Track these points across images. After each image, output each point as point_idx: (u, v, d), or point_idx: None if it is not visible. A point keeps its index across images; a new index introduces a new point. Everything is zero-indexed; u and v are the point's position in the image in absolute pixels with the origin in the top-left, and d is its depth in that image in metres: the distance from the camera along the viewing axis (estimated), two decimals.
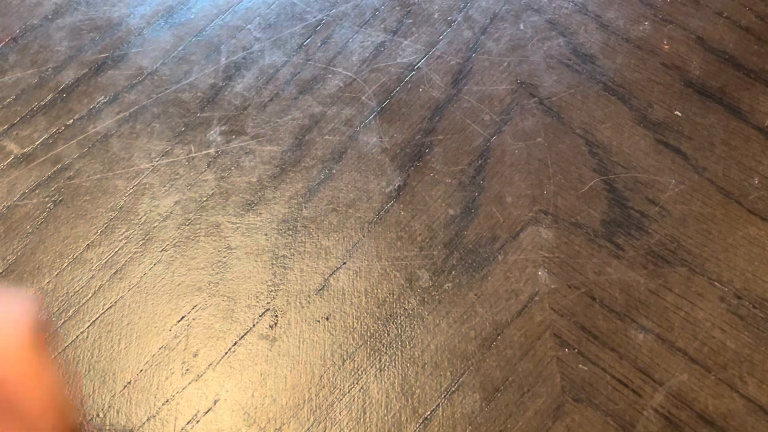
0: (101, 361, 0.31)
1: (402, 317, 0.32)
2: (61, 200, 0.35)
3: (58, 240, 0.34)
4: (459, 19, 0.40)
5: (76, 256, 0.33)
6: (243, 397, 0.30)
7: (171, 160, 0.35)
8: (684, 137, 0.36)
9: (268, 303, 0.32)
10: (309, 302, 0.32)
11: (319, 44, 0.39)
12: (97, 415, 0.30)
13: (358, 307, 0.32)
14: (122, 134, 0.36)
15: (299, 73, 0.38)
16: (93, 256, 0.33)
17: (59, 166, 0.36)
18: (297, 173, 0.35)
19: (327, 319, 0.32)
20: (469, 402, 0.30)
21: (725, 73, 0.38)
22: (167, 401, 0.30)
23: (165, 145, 0.36)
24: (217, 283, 0.33)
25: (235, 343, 0.31)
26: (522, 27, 0.40)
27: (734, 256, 0.33)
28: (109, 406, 0.30)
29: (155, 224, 0.34)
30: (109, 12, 0.40)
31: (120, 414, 0.30)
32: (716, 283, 0.32)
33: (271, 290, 0.32)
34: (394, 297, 0.32)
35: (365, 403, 0.30)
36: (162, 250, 0.33)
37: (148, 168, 0.35)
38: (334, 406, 0.30)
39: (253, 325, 0.32)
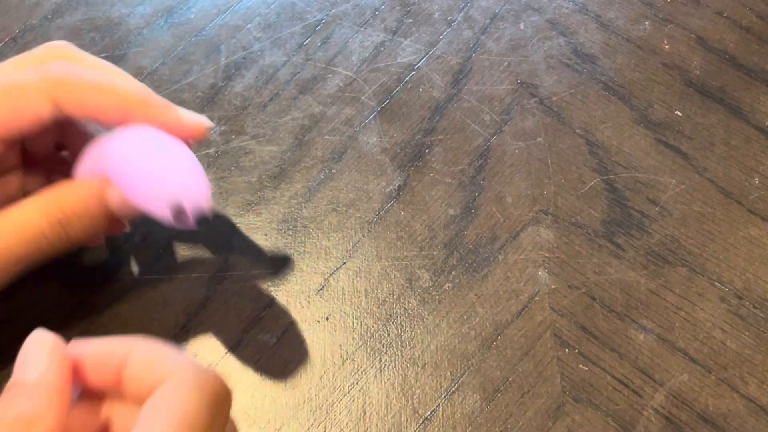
0: None
1: (402, 317, 0.32)
2: None
3: None
4: (459, 18, 0.40)
5: None
6: (243, 397, 0.30)
7: None
8: (684, 137, 0.36)
9: (267, 303, 0.32)
10: (309, 302, 0.32)
11: (318, 44, 0.39)
12: None
13: (358, 307, 0.32)
14: None
15: (299, 72, 0.38)
16: None
17: None
18: (297, 173, 0.35)
19: (327, 319, 0.32)
20: (469, 402, 0.30)
21: (726, 73, 0.38)
22: None
23: None
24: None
25: (235, 343, 0.31)
26: (522, 27, 0.40)
27: (735, 256, 0.33)
28: None
29: (155, 223, 0.34)
30: (109, 12, 0.40)
31: None
32: (717, 283, 0.32)
33: (271, 290, 0.32)
34: (394, 297, 0.32)
35: (365, 403, 0.30)
36: (162, 249, 0.33)
37: None
38: (334, 406, 0.30)
39: (253, 326, 0.32)
